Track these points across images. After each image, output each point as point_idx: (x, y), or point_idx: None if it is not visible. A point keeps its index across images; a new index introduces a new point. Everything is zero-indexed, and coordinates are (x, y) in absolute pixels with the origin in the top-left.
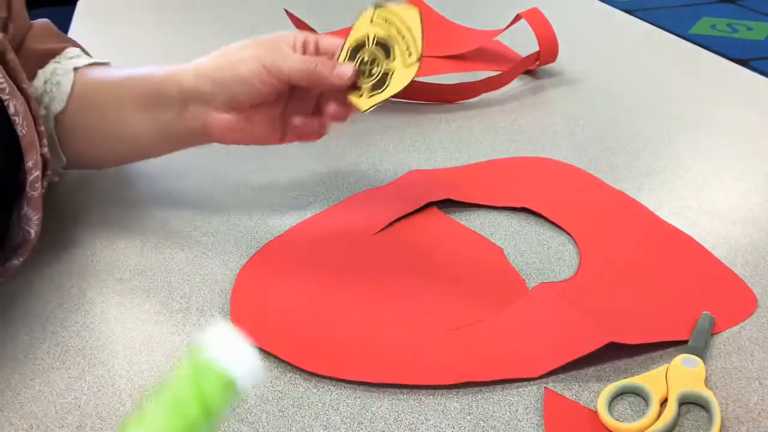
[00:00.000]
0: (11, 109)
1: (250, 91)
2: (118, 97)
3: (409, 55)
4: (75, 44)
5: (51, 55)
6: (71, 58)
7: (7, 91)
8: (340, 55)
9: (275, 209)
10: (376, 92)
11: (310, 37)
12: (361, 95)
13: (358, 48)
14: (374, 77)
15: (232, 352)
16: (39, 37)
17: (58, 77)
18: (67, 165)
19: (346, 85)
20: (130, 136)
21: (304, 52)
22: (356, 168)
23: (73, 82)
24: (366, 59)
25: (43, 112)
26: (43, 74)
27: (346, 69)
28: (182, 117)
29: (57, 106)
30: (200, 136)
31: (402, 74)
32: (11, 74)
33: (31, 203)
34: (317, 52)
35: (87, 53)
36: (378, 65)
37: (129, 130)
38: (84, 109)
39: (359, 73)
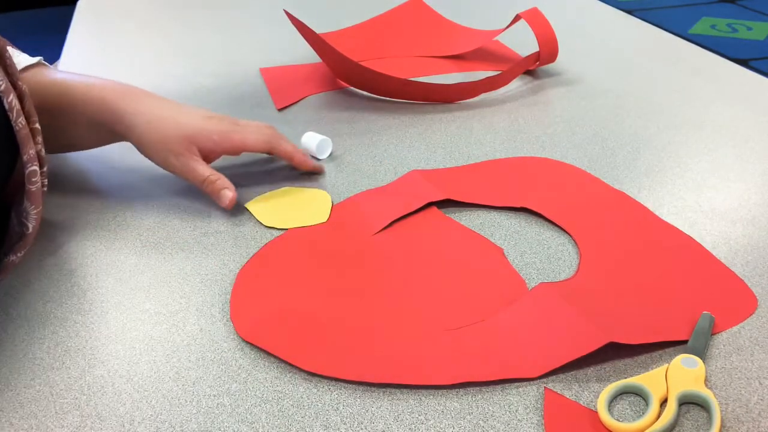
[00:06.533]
0: (6, 105)
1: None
2: (70, 103)
3: None
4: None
5: None
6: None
7: (2, 87)
8: None
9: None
10: None
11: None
12: None
13: None
14: None
15: None
16: None
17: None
18: None
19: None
20: (68, 139)
21: None
22: (356, 168)
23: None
24: None
25: None
26: None
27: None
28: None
29: None
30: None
31: None
32: (7, 71)
33: (30, 197)
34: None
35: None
36: None
37: (66, 135)
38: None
39: None
